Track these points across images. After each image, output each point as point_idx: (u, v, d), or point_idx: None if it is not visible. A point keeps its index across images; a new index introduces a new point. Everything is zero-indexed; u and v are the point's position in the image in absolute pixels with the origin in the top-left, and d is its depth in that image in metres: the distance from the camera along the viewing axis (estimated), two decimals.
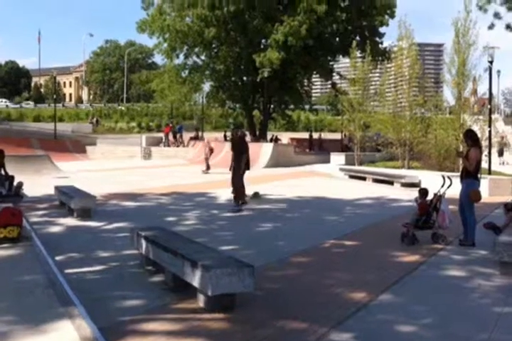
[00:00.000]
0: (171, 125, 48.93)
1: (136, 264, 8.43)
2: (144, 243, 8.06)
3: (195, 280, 6.33)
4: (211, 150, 29.16)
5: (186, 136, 47.49)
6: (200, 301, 6.41)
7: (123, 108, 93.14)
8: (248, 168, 15.90)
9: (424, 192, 10.91)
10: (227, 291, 6.18)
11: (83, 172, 25.89)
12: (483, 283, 7.70)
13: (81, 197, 13.57)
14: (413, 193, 13.63)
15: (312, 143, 46.31)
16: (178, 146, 44.86)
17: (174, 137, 45.90)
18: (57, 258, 8.27)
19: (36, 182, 19.21)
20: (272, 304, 6.52)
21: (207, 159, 28.37)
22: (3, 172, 16.71)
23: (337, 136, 50.40)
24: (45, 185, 17.70)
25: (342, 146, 40.11)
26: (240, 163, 15.48)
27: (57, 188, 15.48)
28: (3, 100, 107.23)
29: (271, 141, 43.14)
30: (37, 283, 6.49)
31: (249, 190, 17.15)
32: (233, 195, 15.61)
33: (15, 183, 16.21)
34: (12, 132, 45.43)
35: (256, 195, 17.19)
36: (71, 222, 12.69)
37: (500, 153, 36.60)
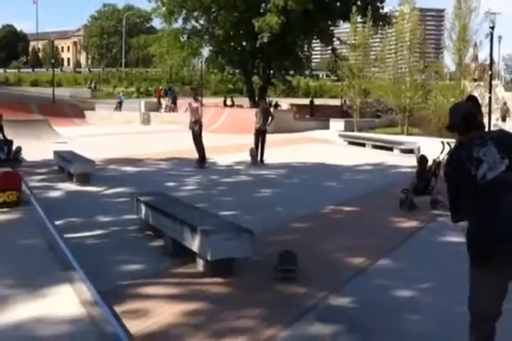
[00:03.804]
0: (160, 88, 48.70)
1: (135, 229, 8.45)
2: (143, 208, 8.07)
3: (195, 245, 6.35)
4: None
5: (185, 101, 47.01)
6: (200, 266, 6.44)
7: (123, 73, 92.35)
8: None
9: (423, 159, 10.90)
10: (226, 256, 6.20)
11: (82, 138, 25.75)
12: None
13: (80, 162, 13.54)
14: (412, 159, 13.61)
15: (313, 109, 45.78)
16: (172, 111, 44.27)
17: (174, 103, 45.51)
18: (57, 222, 8.28)
19: (35, 146, 19.11)
20: (271, 269, 6.55)
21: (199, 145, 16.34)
22: (1, 136, 16.65)
23: (337, 102, 50.06)
24: (44, 150, 17.62)
25: (341, 112, 39.80)
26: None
27: (56, 153, 15.43)
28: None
29: (270, 106, 42.73)
30: (37, 248, 6.50)
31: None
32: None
33: (14, 148, 16.21)
34: (11, 96, 45.01)
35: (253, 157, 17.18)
36: (70, 186, 12.69)
37: (503, 119, 36.81)
